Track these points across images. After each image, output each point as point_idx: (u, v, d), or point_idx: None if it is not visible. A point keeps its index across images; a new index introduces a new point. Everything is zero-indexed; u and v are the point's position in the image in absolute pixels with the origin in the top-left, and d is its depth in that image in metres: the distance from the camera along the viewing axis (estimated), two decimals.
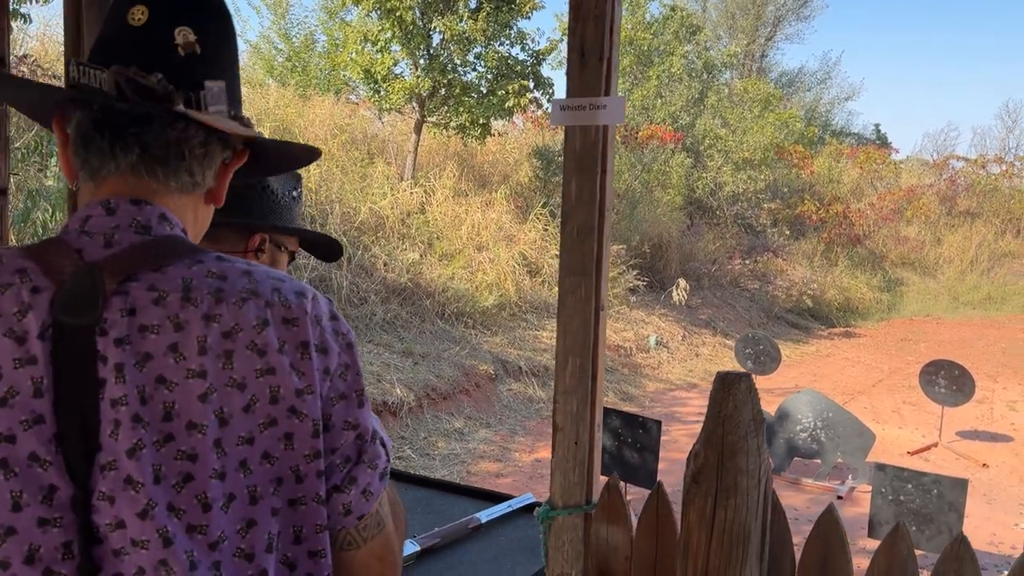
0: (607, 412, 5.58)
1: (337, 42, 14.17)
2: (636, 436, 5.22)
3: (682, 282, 13.61)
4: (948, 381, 7.75)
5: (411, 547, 1.73)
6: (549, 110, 10.16)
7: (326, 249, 1.59)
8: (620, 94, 1.40)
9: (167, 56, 0.83)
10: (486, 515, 1.92)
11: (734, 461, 1.17)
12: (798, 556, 1.27)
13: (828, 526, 1.25)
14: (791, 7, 28.01)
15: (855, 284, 18.12)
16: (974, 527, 5.72)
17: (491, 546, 1.82)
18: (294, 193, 1.52)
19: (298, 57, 16.18)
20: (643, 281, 13.42)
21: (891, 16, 60.49)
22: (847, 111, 39.98)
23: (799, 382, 10.37)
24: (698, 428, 1.27)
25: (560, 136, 14.82)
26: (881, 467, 4.90)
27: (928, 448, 7.97)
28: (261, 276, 0.85)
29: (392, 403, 7.44)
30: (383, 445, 0.92)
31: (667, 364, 11.48)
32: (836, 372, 11.86)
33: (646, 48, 18.16)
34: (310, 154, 1.02)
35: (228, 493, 0.80)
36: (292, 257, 1.54)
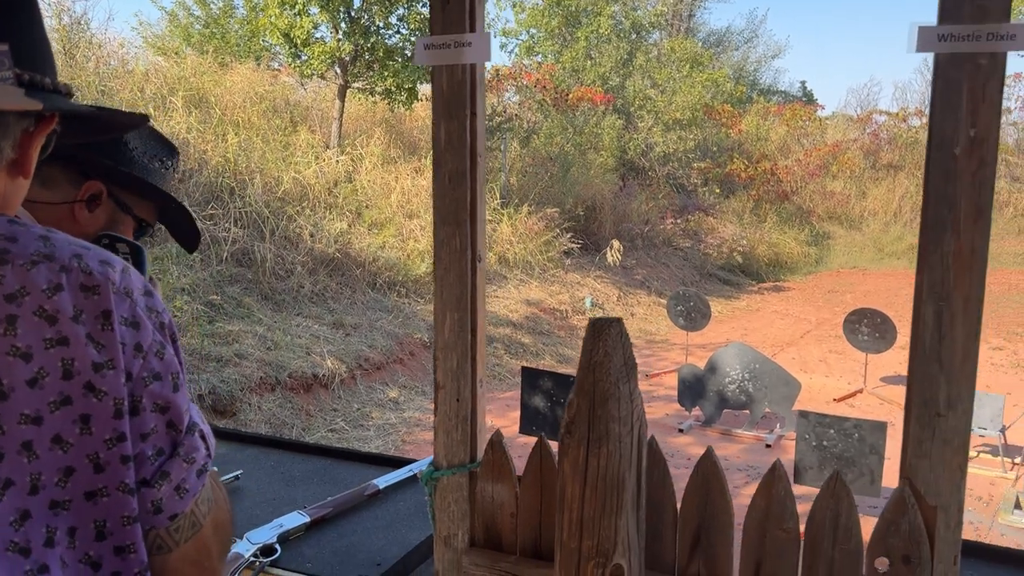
0: (539, 374, 5.55)
1: (256, 6, 13.67)
2: (567, 396, 5.21)
3: (616, 243, 13.69)
4: (871, 329, 7.96)
5: (299, 519, 1.66)
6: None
7: (185, 232, 1.32)
8: (487, 31, 1.32)
9: None
10: (384, 481, 1.86)
11: (605, 408, 1.12)
12: (679, 503, 1.24)
13: (707, 470, 1.22)
14: None
15: (783, 239, 18.49)
16: (895, 468, 5.91)
17: (387, 512, 1.76)
18: (163, 160, 1.26)
19: (216, 24, 15.58)
20: (577, 244, 13.46)
21: None
22: (774, 69, 40.57)
23: (730, 336, 10.55)
24: None
25: (492, 100, 14.63)
26: (804, 414, 5.00)
27: (853, 395, 8.21)
28: (60, 242, 0.77)
29: (323, 376, 7.31)
30: (203, 439, 0.86)
31: None
32: (766, 325, 12.12)
33: (574, 9, 18.03)
34: (137, 119, 0.97)
35: (4, 478, 0.72)
36: (143, 229, 1.26)
